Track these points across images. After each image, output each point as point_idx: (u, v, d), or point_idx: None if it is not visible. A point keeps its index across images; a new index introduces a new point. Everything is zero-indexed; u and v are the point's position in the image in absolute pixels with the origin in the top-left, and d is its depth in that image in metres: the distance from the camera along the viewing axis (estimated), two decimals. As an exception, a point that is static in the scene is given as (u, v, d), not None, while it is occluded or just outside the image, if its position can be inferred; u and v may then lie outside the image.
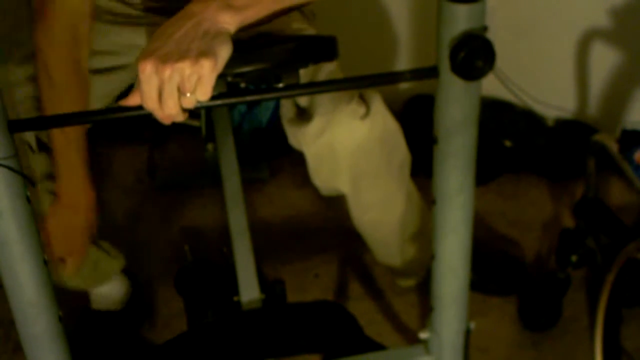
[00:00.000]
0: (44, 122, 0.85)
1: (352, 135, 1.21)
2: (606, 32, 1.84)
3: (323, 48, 0.95)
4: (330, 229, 1.80)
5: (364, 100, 1.22)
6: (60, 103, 1.14)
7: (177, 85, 0.79)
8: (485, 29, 0.77)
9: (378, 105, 1.23)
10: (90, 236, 1.26)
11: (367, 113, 1.21)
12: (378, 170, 1.28)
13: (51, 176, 1.21)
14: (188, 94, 0.80)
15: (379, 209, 1.37)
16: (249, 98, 0.84)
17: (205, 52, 0.79)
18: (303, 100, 1.26)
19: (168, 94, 0.79)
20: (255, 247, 1.18)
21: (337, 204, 1.37)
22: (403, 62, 2.07)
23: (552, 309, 1.56)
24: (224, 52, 0.82)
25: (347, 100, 1.20)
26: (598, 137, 1.42)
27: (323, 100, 1.21)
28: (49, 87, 1.14)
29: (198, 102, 0.80)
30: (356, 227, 1.42)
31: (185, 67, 0.78)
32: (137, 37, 1.24)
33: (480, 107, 0.82)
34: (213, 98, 0.82)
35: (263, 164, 1.95)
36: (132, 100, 0.82)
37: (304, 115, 1.26)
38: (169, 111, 0.80)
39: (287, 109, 1.29)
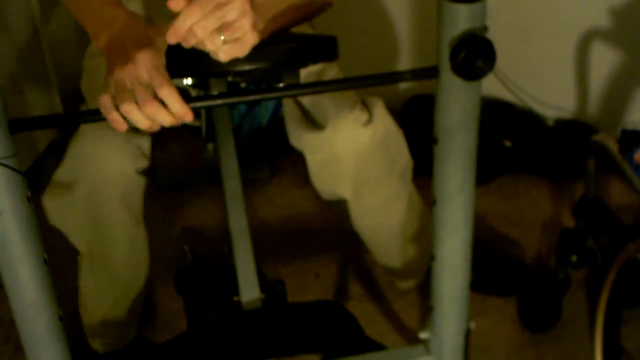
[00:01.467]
0: (44, 122, 0.85)
1: (355, 142, 1.21)
2: (606, 32, 1.84)
3: (323, 48, 0.95)
4: (330, 228, 1.80)
5: (366, 106, 1.23)
6: None
7: (217, 24, 0.81)
8: (485, 29, 0.77)
9: (380, 112, 1.23)
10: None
11: (369, 120, 1.21)
12: (380, 176, 1.28)
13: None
14: (222, 37, 0.81)
15: (380, 213, 1.37)
16: (249, 98, 0.84)
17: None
18: (306, 103, 1.26)
19: (211, 23, 0.80)
20: (255, 247, 1.18)
21: (337, 204, 1.37)
22: (403, 62, 2.07)
23: (552, 309, 1.56)
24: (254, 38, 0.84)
25: (350, 106, 1.20)
26: (598, 137, 1.42)
27: (326, 107, 1.21)
28: None
29: (233, 56, 0.82)
30: (356, 230, 1.42)
31: (230, 11, 0.81)
32: None
33: (480, 107, 0.82)
34: (213, 98, 0.82)
35: (263, 164, 1.95)
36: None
37: (307, 119, 1.26)
38: (213, 44, 0.81)
39: (290, 110, 1.29)
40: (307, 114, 1.26)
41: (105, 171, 1.15)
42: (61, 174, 1.19)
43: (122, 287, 1.34)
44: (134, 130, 0.82)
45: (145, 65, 0.80)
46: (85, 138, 1.14)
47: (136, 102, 0.81)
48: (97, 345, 1.44)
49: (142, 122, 0.82)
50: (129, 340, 1.46)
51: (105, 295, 1.34)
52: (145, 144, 1.19)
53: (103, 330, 1.41)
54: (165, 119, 0.81)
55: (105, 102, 0.81)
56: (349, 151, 1.21)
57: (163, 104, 0.81)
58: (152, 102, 0.80)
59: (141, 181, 1.20)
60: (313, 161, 1.25)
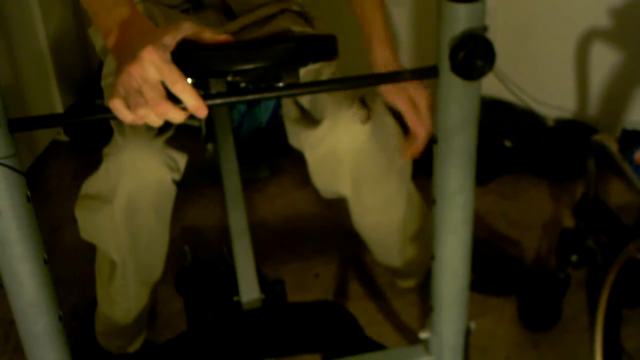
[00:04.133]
0: (44, 122, 0.85)
1: (354, 139, 1.21)
2: (606, 32, 1.84)
3: (323, 47, 0.94)
4: (330, 228, 1.80)
5: (365, 104, 1.23)
6: None
7: None
8: (485, 28, 0.77)
9: (379, 109, 1.23)
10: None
11: (368, 117, 1.21)
12: (379, 173, 1.28)
13: None
14: None
15: (380, 211, 1.37)
16: (249, 97, 0.84)
17: None
18: (305, 102, 1.26)
19: None
20: (255, 247, 1.18)
21: (337, 204, 1.37)
22: (403, 62, 2.07)
23: (552, 309, 1.56)
24: None
25: (348, 104, 1.20)
26: (598, 137, 1.42)
27: (325, 104, 1.21)
28: None
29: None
30: (356, 229, 1.42)
31: None
32: None
33: (480, 107, 0.82)
34: (213, 97, 0.82)
35: (263, 164, 1.95)
36: None
37: (306, 118, 1.26)
38: None
39: (288, 109, 1.29)
40: (306, 113, 1.26)
41: (144, 179, 1.16)
42: (96, 185, 1.20)
43: (146, 287, 1.36)
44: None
45: (153, 63, 0.79)
46: (125, 149, 1.15)
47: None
48: (113, 346, 1.46)
49: (155, 123, 0.82)
50: (141, 342, 1.47)
51: (134, 299, 1.36)
52: (182, 159, 1.20)
53: (122, 333, 1.42)
54: (176, 117, 0.81)
55: (118, 106, 0.80)
56: (347, 147, 1.21)
57: (173, 100, 0.81)
58: (161, 103, 0.79)
59: (173, 191, 1.21)
60: (312, 158, 1.25)
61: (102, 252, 1.31)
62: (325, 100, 1.21)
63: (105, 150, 1.19)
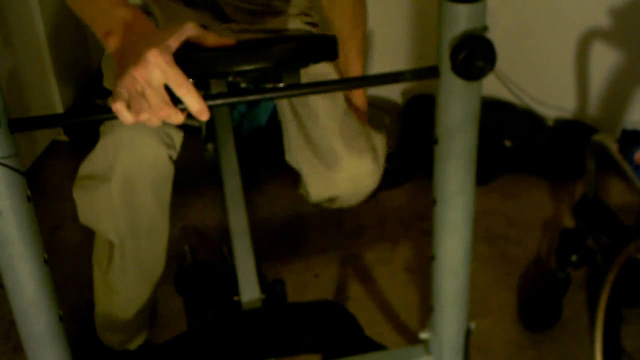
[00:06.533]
0: (44, 122, 0.85)
1: (363, 188, 1.27)
2: (606, 32, 1.84)
3: (324, 47, 0.94)
4: (330, 229, 1.80)
5: (370, 138, 1.27)
6: None
7: None
8: (485, 29, 0.77)
9: (383, 149, 1.28)
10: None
11: (375, 158, 1.25)
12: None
13: None
14: None
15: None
16: (249, 98, 0.84)
17: None
18: (310, 127, 1.28)
19: None
20: (255, 247, 1.18)
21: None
22: (403, 62, 2.07)
23: (552, 309, 1.56)
24: None
25: (359, 148, 1.25)
26: (598, 137, 1.42)
27: (333, 139, 1.25)
28: None
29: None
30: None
31: None
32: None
33: (480, 107, 0.82)
34: (213, 98, 0.82)
35: (263, 164, 1.95)
36: None
37: (309, 144, 1.29)
38: None
39: (290, 127, 1.32)
40: (309, 138, 1.27)
41: (141, 155, 1.15)
42: (94, 164, 1.19)
43: (147, 279, 1.35)
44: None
45: (158, 66, 0.78)
46: (121, 125, 1.13)
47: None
48: (114, 341, 1.45)
49: (155, 124, 0.82)
50: (143, 339, 1.46)
51: (132, 287, 1.34)
52: (178, 136, 1.20)
53: (123, 327, 1.41)
54: (178, 120, 0.81)
55: (120, 109, 0.80)
56: (353, 190, 1.26)
57: (174, 100, 0.80)
58: (164, 108, 0.79)
59: (171, 170, 1.20)
60: (315, 195, 1.29)
61: (101, 239, 1.30)
62: (334, 135, 1.24)
63: (102, 128, 1.18)
